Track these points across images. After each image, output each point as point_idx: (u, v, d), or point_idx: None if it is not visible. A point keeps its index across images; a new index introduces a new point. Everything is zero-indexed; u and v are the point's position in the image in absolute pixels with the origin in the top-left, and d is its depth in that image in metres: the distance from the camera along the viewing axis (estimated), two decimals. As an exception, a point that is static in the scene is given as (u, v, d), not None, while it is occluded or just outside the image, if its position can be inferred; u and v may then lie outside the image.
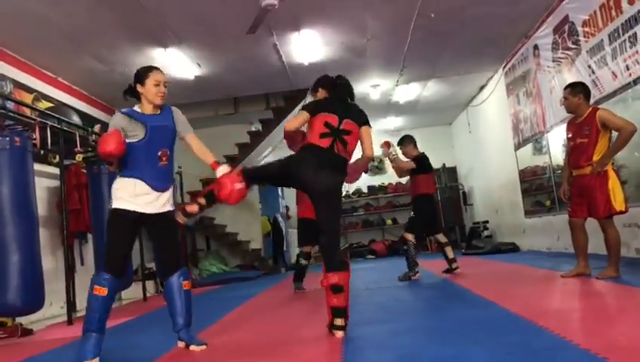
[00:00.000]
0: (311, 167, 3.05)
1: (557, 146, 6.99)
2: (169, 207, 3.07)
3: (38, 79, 6.61)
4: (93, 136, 5.95)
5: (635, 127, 3.96)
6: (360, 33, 6.87)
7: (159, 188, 3.00)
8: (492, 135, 10.13)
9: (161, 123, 3.05)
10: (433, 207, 5.98)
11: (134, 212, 2.91)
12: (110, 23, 5.87)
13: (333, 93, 3.41)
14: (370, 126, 3.33)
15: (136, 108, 3.05)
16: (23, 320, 4.78)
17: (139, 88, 3.02)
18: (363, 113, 3.36)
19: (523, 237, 8.79)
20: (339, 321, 2.92)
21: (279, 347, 2.90)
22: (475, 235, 10.25)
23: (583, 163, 4.15)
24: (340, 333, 2.89)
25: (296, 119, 3.26)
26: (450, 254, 5.77)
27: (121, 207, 2.91)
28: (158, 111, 3.07)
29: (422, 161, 5.82)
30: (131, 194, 2.92)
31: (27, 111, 5.26)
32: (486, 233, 10.29)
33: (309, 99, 8.89)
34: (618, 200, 4.01)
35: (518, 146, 8.60)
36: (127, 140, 2.92)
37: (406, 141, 6.03)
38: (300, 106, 5.87)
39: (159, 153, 3.00)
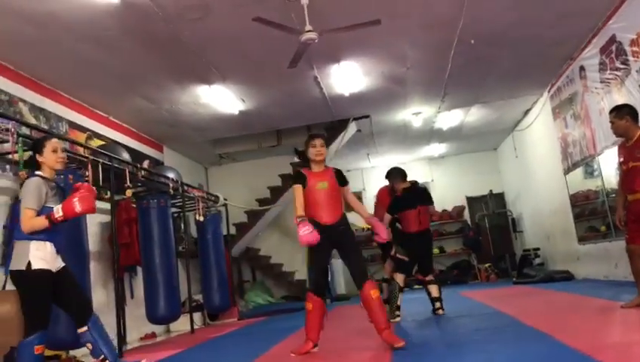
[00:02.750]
0: None
1: (609, 169, 6.72)
2: (62, 263, 3.28)
3: (91, 119, 6.94)
4: (142, 171, 6.14)
5: None
6: (400, 62, 6.89)
7: (60, 250, 3.28)
8: (540, 159, 9.86)
9: (64, 187, 3.46)
10: (413, 245, 5.44)
11: (51, 271, 3.15)
12: (157, 64, 6.13)
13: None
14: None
15: (42, 174, 3.27)
16: (76, 352, 4.91)
17: (38, 157, 3.26)
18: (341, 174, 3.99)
19: (577, 264, 8.41)
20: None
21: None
22: (526, 263, 9.91)
23: (637, 187, 3.97)
24: None
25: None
26: (435, 293, 5.44)
27: (42, 267, 3.09)
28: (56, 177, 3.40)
29: (394, 202, 5.49)
30: (48, 255, 3.14)
31: (81, 150, 5.50)
32: (537, 261, 9.93)
33: (350, 130, 8.98)
34: (679, 226, 3.79)
35: (567, 170, 8.32)
36: (47, 204, 3.15)
37: (392, 176, 5.66)
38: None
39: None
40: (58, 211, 3.05)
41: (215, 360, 3.16)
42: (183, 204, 7.34)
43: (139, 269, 6.55)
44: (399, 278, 5.32)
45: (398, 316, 5.31)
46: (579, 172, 7.91)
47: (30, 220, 3.08)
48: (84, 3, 4.65)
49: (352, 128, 9.15)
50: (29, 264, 3.06)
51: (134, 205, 6.30)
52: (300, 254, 10.58)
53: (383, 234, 3.87)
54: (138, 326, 6.67)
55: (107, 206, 5.71)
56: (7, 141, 4.07)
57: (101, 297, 6.00)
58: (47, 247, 3.15)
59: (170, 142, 9.06)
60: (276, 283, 10.32)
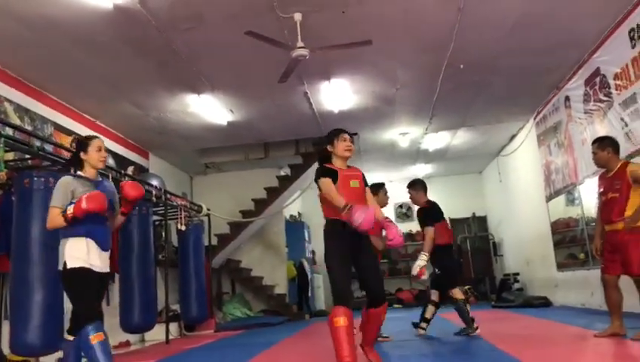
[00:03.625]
0: None
1: (590, 198, 6.82)
2: (108, 269, 3.25)
3: (77, 122, 6.89)
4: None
5: None
6: (390, 82, 6.97)
7: (105, 248, 3.20)
8: (523, 185, 9.98)
9: (106, 186, 3.36)
10: (449, 257, 5.52)
11: (93, 271, 3.10)
12: (148, 71, 6.12)
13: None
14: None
15: (80, 173, 3.30)
16: (45, 359, 4.82)
17: (82, 155, 3.27)
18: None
19: (555, 291, 8.48)
20: None
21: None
22: (505, 287, 9.97)
23: (615, 218, 4.03)
24: None
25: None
26: (428, 314, 5.41)
27: (80, 265, 3.05)
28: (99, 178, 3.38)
29: (427, 212, 5.38)
30: (84, 254, 3.08)
31: (65, 153, 5.44)
32: (517, 286, 10.00)
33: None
34: (653, 258, 3.86)
35: (549, 198, 8.42)
36: (77, 200, 3.07)
37: (417, 186, 5.54)
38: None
39: (106, 214, 3.22)
40: (70, 208, 3.02)
41: None
42: (165, 212, 7.29)
43: (117, 277, 6.45)
44: (434, 295, 5.44)
45: (424, 329, 5.39)
46: (560, 199, 8.02)
47: (54, 219, 3.08)
48: (78, 8, 4.65)
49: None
50: (65, 264, 3.06)
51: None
52: (281, 268, 10.57)
53: (397, 238, 3.36)
54: (112, 333, 6.55)
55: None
56: (-11, 141, 4.01)
57: (76, 303, 5.89)
58: (85, 244, 3.10)
59: (156, 149, 9.01)
60: (256, 296, 10.24)
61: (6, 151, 4.32)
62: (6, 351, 4.39)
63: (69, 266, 3.03)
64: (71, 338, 3.17)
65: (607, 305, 4.25)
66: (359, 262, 3.34)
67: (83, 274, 3.04)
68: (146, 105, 7.09)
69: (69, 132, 6.65)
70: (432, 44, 5.89)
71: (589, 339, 4.22)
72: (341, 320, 3.06)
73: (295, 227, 11.49)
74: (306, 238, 11.86)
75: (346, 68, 6.39)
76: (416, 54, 6.16)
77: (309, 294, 10.90)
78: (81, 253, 3.07)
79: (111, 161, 6.30)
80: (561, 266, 8.25)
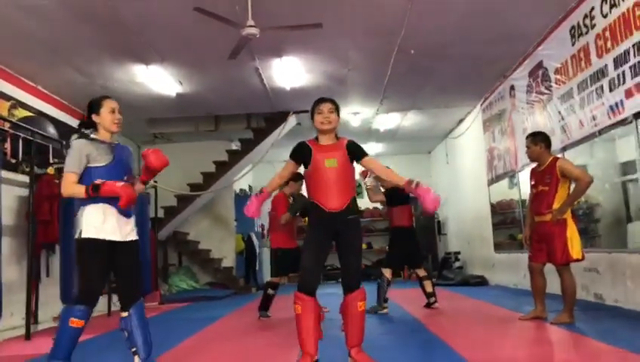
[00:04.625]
0: None
1: (527, 185, 7.13)
2: (135, 236, 3.05)
3: (16, 87, 6.57)
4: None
5: (590, 179, 4.16)
6: (341, 63, 7.00)
7: (127, 213, 2.98)
8: (468, 168, 10.31)
9: (122, 150, 3.11)
10: (409, 240, 5.82)
11: (104, 240, 2.88)
12: (90, 37, 5.88)
13: None
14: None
15: (94, 136, 3.05)
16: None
17: (94, 118, 3.03)
18: None
19: (492, 271, 8.90)
20: None
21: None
22: (446, 265, 10.35)
23: (543, 210, 4.27)
24: None
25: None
26: (429, 288, 5.78)
27: (94, 236, 2.86)
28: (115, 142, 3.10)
29: (394, 194, 5.70)
30: (102, 222, 2.88)
31: (0, 122, 5.24)
32: (457, 264, 10.40)
33: (290, 123, 9.03)
34: (575, 249, 4.13)
35: (491, 182, 8.76)
36: (92, 165, 2.90)
37: None
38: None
39: (125, 178, 2.98)
40: (99, 183, 2.79)
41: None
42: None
43: (57, 247, 6.32)
44: (387, 273, 5.63)
45: (386, 308, 5.61)
46: (503, 183, 8.35)
47: (70, 185, 2.85)
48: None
49: (291, 121, 9.19)
50: (80, 232, 2.86)
51: (57, 181, 6.07)
52: (229, 241, 10.59)
53: (430, 203, 3.02)
54: (52, 306, 6.46)
55: (26, 179, 5.47)
56: None
57: (14, 274, 5.75)
58: (104, 212, 2.88)
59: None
60: (202, 269, 10.26)
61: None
62: None
63: (83, 235, 2.85)
64: (125, 314, 2.98)
65: (532, 290, 4.54)
66: (340, 246, 3.11)
67: (93, 245, 2.85)
68: (90, 72, 6.85)
69: (7, 97, 6.36)
70: (383, 29, 5.93)
71: (514, 322, 4.51)
72: (298, 308, 2.95)
73: (245, 201, 11.34)
74: (256, 212, 11.84)
75: (298, 47, 6.36)
76: (368, 37, 6.20)
77: (257, 268, 11.00)
78: (97, 222, 2.86)
79: (52, 130, 6.08)
80: (498, 247, 8.65)
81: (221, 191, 10.05)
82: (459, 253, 10.71)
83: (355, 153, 3.14)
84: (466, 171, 10.51)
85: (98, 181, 2.82)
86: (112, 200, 2.86)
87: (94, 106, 3.03)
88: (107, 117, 3.01)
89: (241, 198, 11.41)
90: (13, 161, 5.93)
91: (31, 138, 5.05)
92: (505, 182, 8.22)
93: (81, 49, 6.18)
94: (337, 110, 3.21)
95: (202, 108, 8.70)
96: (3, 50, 5.98)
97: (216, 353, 3.96)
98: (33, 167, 5.31)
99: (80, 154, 2.89)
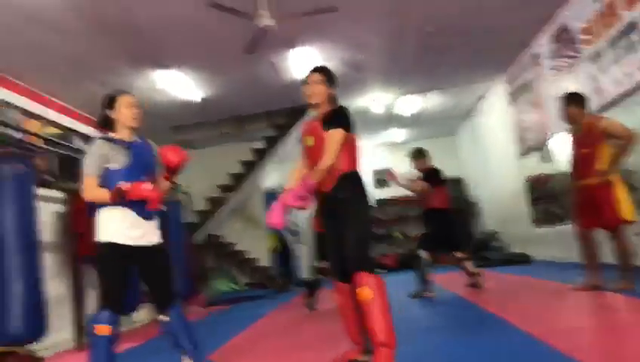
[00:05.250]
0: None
1: (562, 154, 6.94)
2: (158, 238, 2.92)
3: (45, 106, 6.70)
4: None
5: (636, 134, 3.93)
6: (358, 48, 6.91)
7: (147, 216, 2.84)
8: (496, 144, 10.10)
9: (142, 148, 2.95)
10: (444, 222, 5.62)
11: (123, 245, 2.76)
12: (110, 49, 5.96)
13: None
14: None
15: (112, 135, 2.92)
16: (34, 347, 4.79)
17: (110, 114, 2.89)
18: None
19: (534, 247, 8.70)
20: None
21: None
22: (484, 246, 10.17)
23: (587, 173, 4.10)
24: None
25: (339, 141, 2.70)
26: (471, 268, 5.59)
27: (112, 240, 2.74)
28: (135, 138, 2.95)
29: (430, 175, 5.62)
30: (120, 226, 2.76)
31: (35, 139, 5.32)
32: (495, 244, 10.20)
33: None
34: (626, 210, 3.94)
35: (522, 155, 8.56)
36: (110, 167, 2.76)
37: (418, 154, 5.78)
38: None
39: (144, 178, 2.82)
40: (125, 187, 2.67)
41: (176, 352, 3.08)
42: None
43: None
44: (424, 254, 5.41)
45: (430, 291, 5.42)
46: (535, 156, 8.14)
47: (91, 190, 2.71)
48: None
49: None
50: (99, 237, 2.75)
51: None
52: (263, 241, 10.60)
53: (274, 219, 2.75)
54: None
55: (61, 195, 5.54)
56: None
57: (58, 289, 5.84)
58: (123, 215, 2.75)
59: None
60: (240, 270, 10.29)
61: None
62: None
63: (101, 240, 2.74)
64: (166, 318, 2.88)
65: (583, 258, 4.34)
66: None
67: (113, 250, 2.72)
68: (111, 83, 6.90)
69: (38, 117, 6.47)
70: (397, 8, 5.83)
71: (567, 293, 4.34)
72: (337, 298, 2.68)
73: (274, 199, 11.45)
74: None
75: (312, 35, 6.31)
76: (382, 19, 6.10)
77: (293, 265, 10.98)
78: (114, 225, 2.73)
79: (81, 144, 6.16)
80: (537, 222, 8.44)
81: (251, 191, 10.07)
82: (496, 232, 10.51)
83: (326, 123, 2.73)
84: (494, 148, 10.31)
85: (124, 186, 2.69)
86: (131, 203, 2.75)
87: (110, 102, 2.90)
88: (124, 112, 2.87)
89: (271, 197, 11.42)
90: (48, 178, 6.02)
91: (63, 152, 5.09)
92: (537, 154, 8.01)
93: (101, 61, 6.25)
94: (329, 80, 2.88)
95: (224, 110, 8.73)
96: (28, 71, 6.11)
97: (266, 347, 3.94)
98: (67, 181, 5.37)
99: (96, 156, 2.76)
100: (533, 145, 7.97)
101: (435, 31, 6.37)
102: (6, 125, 4.99)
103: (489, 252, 9.77)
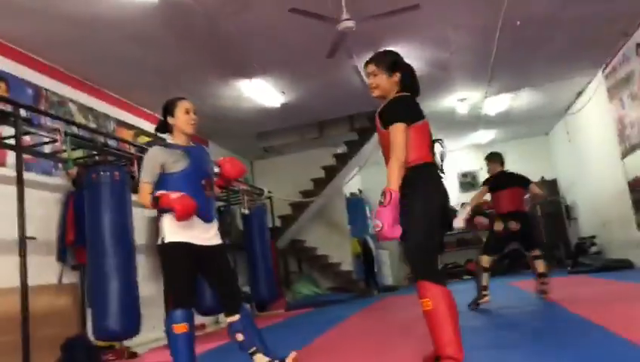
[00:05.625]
0: (442, 191, 2.51)
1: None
2: (219, 240, 2.97)
3: (137, 117, 7.13)
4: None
5: None
6: (442, 47, 6.71)
7: (208, 218, 2.91)
8: (594, 143, 9.41)
9: (199, 152, 3.03)
10: (520, 222, 5.31)
11: (188, 243, 2.81)
12: (198, 59, 6.22)
13: (411, 85, 2.66)
14: None
15: (169, 140, 3.02)
16: (130, 343, 5.08)
17: (169, 120, 2.99)
18: None
19: (638, 252, 8.00)
20: None
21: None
22: (581, 252, 9.51)
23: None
24: None
25: (400, 143, 2.40)
26: (541, 268, 5.25)
27: (176, 240, 2.80)
28: (192, 143, 3.03)
29: (494, 180, 5.49)
30: (183, 227, 2.80)
31: (128, 147, 5.65)
32: (594, 249, 9.51)
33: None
34: None
35: (625, 154, 7.90)
36: (168, 172, 2.83)
37: (492, 158, 5.67)
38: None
39: (203, 182, 2.91)
40: (158, 195, 2.75)
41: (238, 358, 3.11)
42: (228, 198, 7.45)
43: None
44: (483, 260, 5.29)
45: (485, 295, 5.22)
46: (638, 155, 7.50)
47: (145, 196, 2.82)
48: (125, 3, 4.76)
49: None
50: (163, 238, 2.82)
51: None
52: (345, 245, 10.59)
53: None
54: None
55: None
56: (57, 140, 4.20)
57: (151, 290, 6.16)
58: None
59: (215, 136, 9.18)
60: (322, 274, 10.33)
61: (73, 149, 4.53)
62: (92, 337, 4.66)
63: (166, 240, 2.80)
64: (235, 318, 2.94)
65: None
66: None
67: (180, 249, 2.79)
68: (200, 93, 7.22)
69: (130, 127, 6.90)
70: (484, 2, 5.60)
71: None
72: (429, 303, 2.27)
73: (356, 204, 11.45)
74: (368, 215, 11.80)
75: (395, 36, 6.20)
76: (467, 14, 5.88)
77: (375, 270, 10.88)
78: (179, 227, 2.78)
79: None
80: (642, 226, 7.76)
81: (332, 197, 10.10)
82: (594, 237, 9.78)
83: (381, 120, 2.50)
84: (592, 148, 9.61)
85: (157, 193, 2.77)
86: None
87: (169, 108, 2.98)
88: (182, 117, 2.94)
89: (353, 202, 11.40)
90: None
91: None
92: (640, 153, 7.38)
93: (190, 72, 6.54)
94: (386, 66, 2.58)
95: (306, 115, 8.81)
96: (122, 84, 6.51)
97: (348, 347, 3.91)
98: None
99: (153, 162, 2.83)
100: (638, 143, 7.33)
101: (525, 23, 6.04)
102: (104, 135, 5.35)
103: (586, 257, 9.12)
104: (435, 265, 2.36)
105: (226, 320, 3.00)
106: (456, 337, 2.24)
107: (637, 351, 2.48)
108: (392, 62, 2.60)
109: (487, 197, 5.54)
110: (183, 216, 2.70)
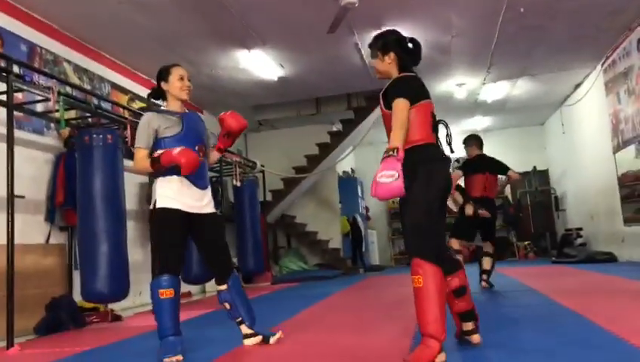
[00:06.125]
0: (445, 172, 2.49)
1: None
2: (212, 208, 2.97)
3: (133, 81, 7.05)
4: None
5: None
6: (444, 30, 6.66)
7: (202, 185, 2.92)
8: (588, 136, 9.45)
9: (194, 118, 3.03)
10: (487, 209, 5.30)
11: (179, 210, 2.81)
12: (197, 27, 6.13)
13: (411, 62, 2.63)
14: None
15: (164, 107, 3.01)
16: (115, 306, 5.12)
17: (163, 85, 2.96)
18: None
19: (622, 246, 8.11)
20: (469, 325, 2.54)
21: (347, 350, 2.85)
22: (567, 243, 9.63)
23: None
24: (476, 337, 2.52)
25: (401, 115, 2.37)
26: (487, 266, 5.27)
27: (168, 206, 2.79)
28: (186, 110, 3.02)
29: (466, 162, 5.48)
30: (176, 193, 2.81)
31: (122, 111, 5.60)
32: (579, 241, 9.63)
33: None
34: None
35: (617, 149, 7.95)
36: (162, 136, 2.83)
37: (470, 141, 5.56)
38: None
39: (196, 148, 2.89)
40: (158, 155, 2.74)
41: (226, 325, 3.15)
42: (220, 169, 7.43)
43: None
44: (453, 243, 5.18)
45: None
46: (630, 151, 7.54)
47: (140, 161, 2.80)
48: (126, -37, 4.67)
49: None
50: (155, 203, 2.82)
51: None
52: (335, 223, 10.64)
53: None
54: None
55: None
56: (50, 99, 4.15)
57: (139, 255, 6.18)
58: (176, 183, 2.81)
59: (209, 106, 9.11)
60: (311, 250, 10.41)
61: (66, 110, 4.48)
62: (78, 298, 4.68)
63: (158, 205, 2.79)
64: (224, 287, 2.97)
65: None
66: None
67: (169, 215, 2.78)
68: (197, 61, 7.14)
69: (125, 91, 6.83)
70: (490, -14, 5.55)
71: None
72: (419, 279, 2.28)
73: (348, 183, 11.49)
74: (360, 194, 11.84)
75: (398, 15, 6.14)
76: (472, -2, 5.83)
77: (363, 249, 10.97)
78: (172, 192, 2.79)
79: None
80: (628, 221, 7.84)
81: (325, 174, 10.11)
82: (581, 229, 9.90)
83: (385, 103, 2.48)
84: (585, 140, 9.65)
85: (156, 153, 2.77)
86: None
87: (163, 74, 2.97)
88: (176, 84, 2.93)
89: (345, 181, 11.43)
90: (133, 149, 6.34)
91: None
92: (632, 149, 7.41)
93: (188, 39, 6.45)
94: (377, 50, 2.60)
95: (303, 91, 8.75)
96: (119, 47, 6.42)
97: (332, 322, 3.95)
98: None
99: (148, 128, 2.84)
100: (631, 139, 7.37)
101: (529, 10, 5.99)
102: (98, 97, 5.29)
103: (571, 248, 9.24)
104: (432, 245, 2.35)
105: (216, 288, 3.05)
106: (441, 317, 2.25)
107: (610, 338, 2.53)
108: (382, 45, 2.60)
109: (461, 182, 5.49)
110: (189, 169, 2.71)
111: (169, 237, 2.82)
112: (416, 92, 2.48)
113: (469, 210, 5.17)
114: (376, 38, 2.66)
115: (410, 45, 2.62)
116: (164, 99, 3.01)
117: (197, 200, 2.88)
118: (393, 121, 2.38)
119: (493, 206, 5.46)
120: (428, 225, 2.37)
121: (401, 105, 2.38)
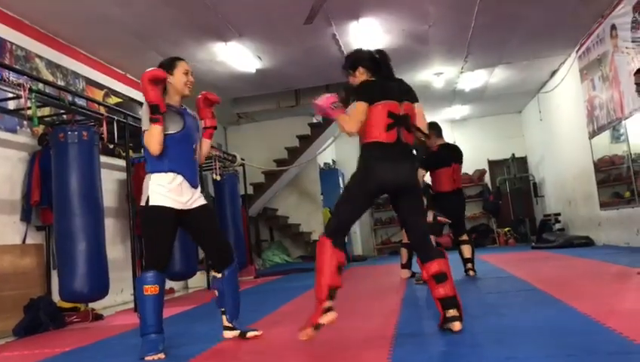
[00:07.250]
0: (389, 169, 2.74)
1: (637, 134, 6.50)
2: (203, 201, 2.98)
3: (108, 76, 6.92)
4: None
5: None
6: (421, 19, 6.67)
7: (195, 184, 2.93)
8: (565, 123, 9.59)
9: (192, 117, 3.04)
10: (448, 205, 5.26)
11: (171, 208, 2.81)
12: (173, 20, 6.04)
13: (379, 71, 2.93)
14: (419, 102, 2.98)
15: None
16: (95, 305, 5.05)
17: (169, 78, 2.91)
18: (412, 89, 2.99)
19: (598, 230, 8.27)
20: (451, 312, 2.63)
21: (330, 342, 2.86)
22: (546, 228, 9.80)
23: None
24: (456, 325, 2.59)
25: (353, 116, 2.76)
26: (467, 254, 5.24)
27: (160, 203, 2.78)
28: (183, 106, 3.02)
29: (429, 157, 5.28)
30: (169, 190, 2.81)
31: (97, 107, 5.50)
32: (558, 226, 9.82)
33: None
34: None
35: (592, 134, 8.08)
36: (166, 131, 2.82)
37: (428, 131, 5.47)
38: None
39: (194, 146, 2.93)
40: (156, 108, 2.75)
41: (215, 319, 3.15)
42: (199, 164, 7.35)
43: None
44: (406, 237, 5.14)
45: (407, 274, 5.29)
46: (605, 136, 7.68)
47: (149, 139, 2.77)
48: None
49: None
50: (148, 200, 2.79)
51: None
52: (317, 215, 10.65)
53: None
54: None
55: (124, 163, 5.74)
56: (21, 97, 4.06)
57: (121, 253, 6.12)
58: (171, 180, 2.80)
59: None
60: (293, 243, 10.42)
61: (39, 107, 4.38)
62: (56, 298, 4.61)
63: (150, 202, 2.77)
64: (219, 275, 3.01)
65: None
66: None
67: (162, 213, 2.77)
68: (173, 55, 7.00)
69: (101, 86, 6.71)
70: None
71: (632, 277, 4.12)
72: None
73: (329, 175, 11.49)
74: (341, 186, 11.85)
75: (375, 6, 6.13)
76: (448, -13, 5.85)
77: (345, 240, 10.99)
78: (165, 189, 2.79)
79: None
80: (604, 205, 8.00)
81: (306, 166, 10.10)
82: (559, 214, 10.08)
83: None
84: (562, 127, 9.79)
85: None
86: (181, 167, 2.82)
87: (168, 66, 2.93)
88: (181, 78, 2.92)
89: (326, 172, 11.43)
90: (111, 146, 6.25)
91: (124, 121, 5.23)
92: (607, 134, 7.54)
93: (163, 32, 6.36)
94: (348, 69, 3.00)
95: (282, 83, 8.71)
96: (93, 41, 6.29)
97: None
98: (128, 149, 5.53)
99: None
100: (605, 125, 7.50)
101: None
102: (72, 93, 5.19)
103: (550, 233, 9.40)
104: (340, 228, 2.82)
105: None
106: (326, 282, 2.67)
107: (586, 320, 2.58)
108: (351, 63, 2.97)
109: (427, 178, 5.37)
110: (154, 74, 2.76)
111: (158, 234, 2.82)
112: (374, 94, 2.79)
113: (429, 217, 5.02)
114: (345, 59, 3.04)
115: (376, 55, 2.95)
116: (166, 92, 2.93)
117: (188, 198, 2.88)
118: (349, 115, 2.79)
119: (462, 197, 5.45)
120: (342, 209, 2.83)
121: (354, 107, 2.76)
